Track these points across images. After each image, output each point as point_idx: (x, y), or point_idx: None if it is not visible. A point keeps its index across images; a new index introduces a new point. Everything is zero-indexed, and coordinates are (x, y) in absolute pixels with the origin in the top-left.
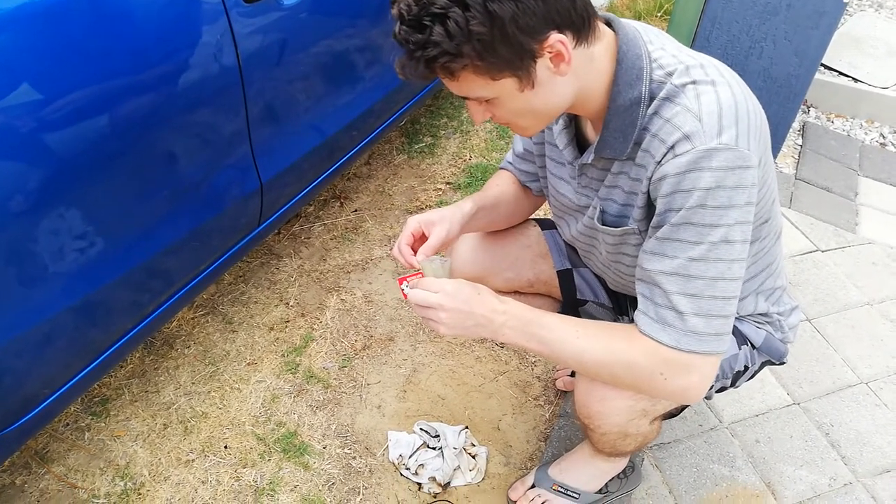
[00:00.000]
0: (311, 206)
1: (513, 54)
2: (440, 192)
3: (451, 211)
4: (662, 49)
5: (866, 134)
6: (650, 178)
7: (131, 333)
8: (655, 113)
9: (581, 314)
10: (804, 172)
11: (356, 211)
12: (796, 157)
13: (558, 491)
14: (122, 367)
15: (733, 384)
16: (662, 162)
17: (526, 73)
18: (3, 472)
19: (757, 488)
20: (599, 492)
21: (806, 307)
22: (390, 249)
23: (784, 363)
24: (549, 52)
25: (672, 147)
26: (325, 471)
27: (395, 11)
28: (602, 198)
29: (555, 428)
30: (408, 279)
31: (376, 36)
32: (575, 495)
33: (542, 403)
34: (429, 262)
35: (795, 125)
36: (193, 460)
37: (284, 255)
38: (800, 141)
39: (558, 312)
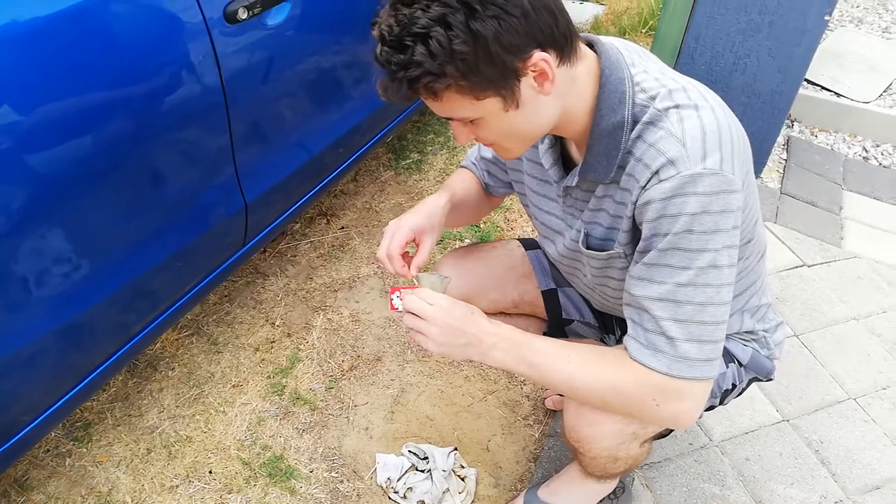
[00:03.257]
0: (297, 223)
1: (496, 73)
2: None
3: (432, 209)
4: (645, 72)
5: (849, 148)
6: (635, 203)
7: (115, 356)
8: (639, 137)
9: (567, 333)
10: (789, 187)
11: (343, 228)
12: (781, 171)
13: None
14: (104, 390)
15: (721, 402)
16: (647, 187)
17: (510, 92)
18: None
19: None
20: None
21: (793, 322)
22: (377, 257)
23: (771, 380)
24: (533, 71)
25: (656, 172)
26: (313, 495)
27: (376, 33)
28: (586, 221)
29: (544, 448)
30: (402, 290)
31: (362, 53)
32: None
33: (532, 423)
34: (427, 277)
35: (780, 139)
36: (177, 486)
37: (270, 273)
38: (784, 155)
39: (544, 332)
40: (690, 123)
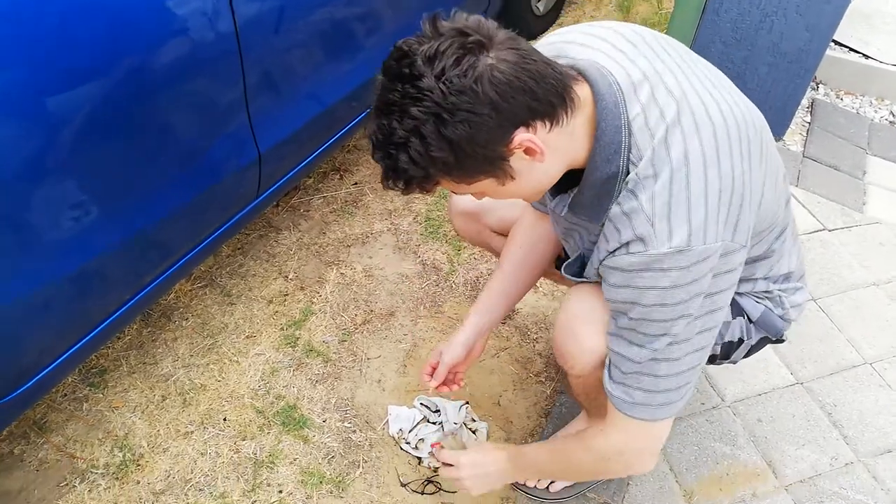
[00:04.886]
0: (310, 178)
1: (482, 164)
2: None
3: (469, 337)
4: (643, 113)
5: (876, 112)
6: (601, 260)
7: (129, 304)
8: (621, 193)
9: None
10: (812, 150)
11: (356, 184)
12: (804, 134)
13: None
14: (119, 338)
15: (726, 357)
16: (616, 253)
17: (502, 171)
18: (2, 442)
19: (758, 467)
20: None
21: (811, 287)
22: (391, 224)
23: (783, 341)
24: (520, 149)
25: (627, 244)
26: (325, 444)
27: (367, 134)
28: (562, 233)
29: (556, 404)
30: (434, 447)
31: (377, 4)
32: None
33: (544, 380)
34: (447, 440)
35: (804, 102)
36: (192, 432)
37: (283, 227)
38: (808, 118)
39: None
40: (660, 201)
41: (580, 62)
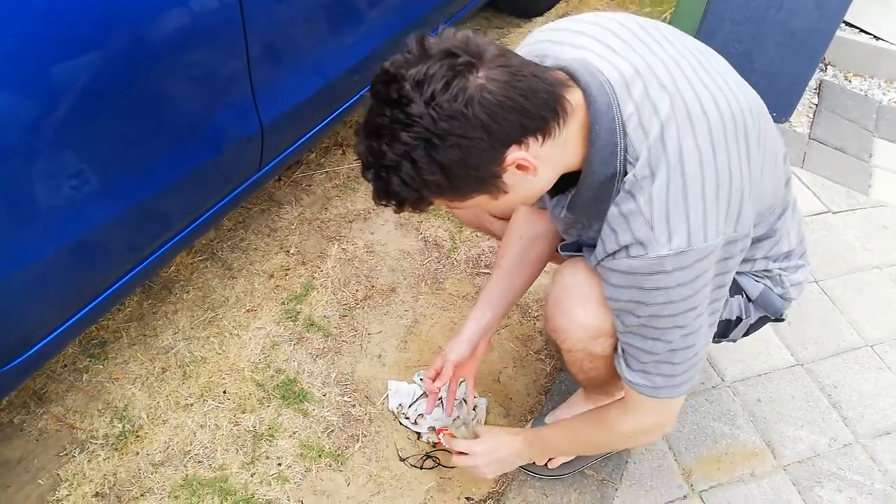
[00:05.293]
0: (312, 153)
1: (474, 184)
2: None
3: (472, 335)
4: (636, 112)
5: (884, 94)
6: (599, 260)
7: (129, 276)
8: (619, 194)
9: None
10: (818, 132)
11: (359, 159)
12: (811, 116)
13: None
14: (119, 310)
15: (724, 335)
16: (616, 256)
17: (495, 188)
18: (2, 412)
19: (756, 447)
20: None
21: (814, 269)
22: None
23: (782, 320)
24: (512, 165)
25: (626, 247)
26: (325, 418)
27: (356, 152)
28: (563, 229)
29: (555, 382)
30: (442, 433)
31: None
32: None
33: (544, 357)
34: (454, 428)
35: (812, 83)
36: (192, 404)
37: (285, 202)
38: (815, 100)
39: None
40: (658, 202)
41: (570, 63)
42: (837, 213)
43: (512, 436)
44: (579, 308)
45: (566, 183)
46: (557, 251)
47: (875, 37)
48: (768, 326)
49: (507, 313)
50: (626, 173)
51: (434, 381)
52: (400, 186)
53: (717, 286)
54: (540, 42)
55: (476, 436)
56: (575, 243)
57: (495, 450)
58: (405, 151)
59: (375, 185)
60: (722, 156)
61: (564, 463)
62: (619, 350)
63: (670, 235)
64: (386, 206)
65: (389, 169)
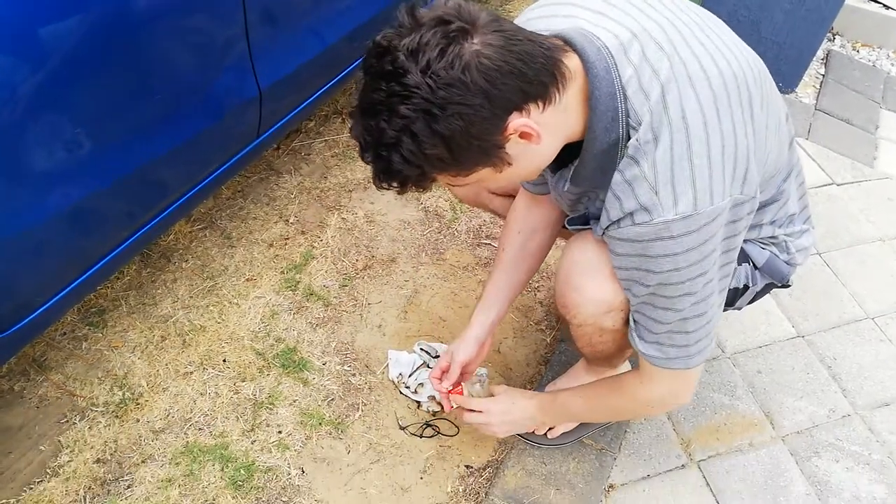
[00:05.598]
0: (311, 121)
1: (478, 155)
2: None
3: (478, 334)
4: (636, 76)
5: (892, 65)
6: (605, 228)
7: (126, 243)
8: (623, 160)
9: None
10: (824, 103)
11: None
12: (817, 87)
13: None
14: (118, 278)
15: (731, 303)
16: (621, 224)
17: (498, 159)
18: (2, 378)
19: (756, 417)
20: None
21: (817, 241)
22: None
23: (788, 286)
24: (515, 134)
25: (631, 214)
26: (325, 387)
27: (353, 136)
28: (569, 206)
29: (555, 353)
30: (451, 394)
31: None
32: None
33: (544, 328)
34: (469, 386)
35: (819, 54)
36: (192, 373)
37: (284, 171)
38: (822, 70)
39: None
40: (662, 167)
41: (565, 31)
42: (842, 184)
43: (527, 399)
44: (590, 282)
45: (568, 156)
46: (565, 226)
47: (885, 6)
48: (770, 298)
49: (509, 306)
50: (629, 139)
51: (441, 380)
52: (401, 164)
53: (725, 250)
54: (530, 20)
55: (491, 394)
56: (582, 216)
57: (510, 411)
58: (404, 125)
59: (375, 166)
60: (726, 116)
61: (564, 432)
62: (632, 322)
63: (676, 200)
64: (388, 188)
65: (390, 147)
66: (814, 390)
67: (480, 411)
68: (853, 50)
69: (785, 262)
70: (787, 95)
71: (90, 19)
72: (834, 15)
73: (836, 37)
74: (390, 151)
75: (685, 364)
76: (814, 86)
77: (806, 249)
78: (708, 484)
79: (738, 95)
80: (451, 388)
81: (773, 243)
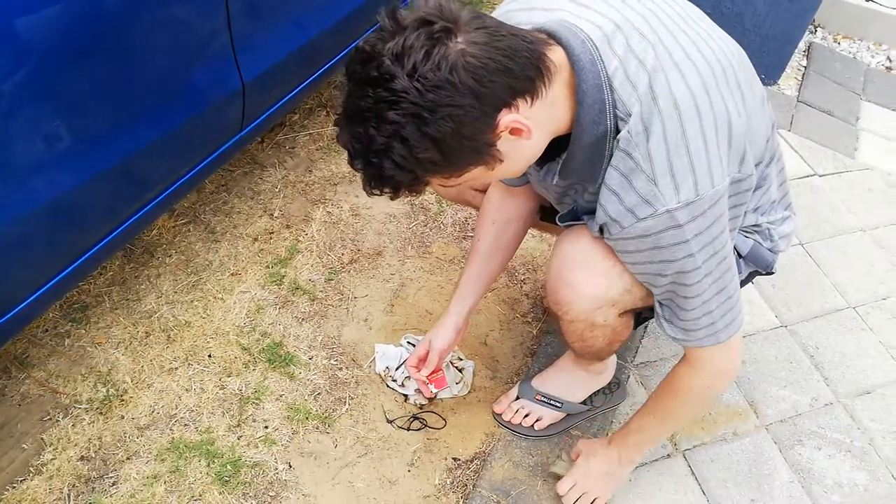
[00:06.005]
0: (295, 114)
1: (470, 156)
2: None
3: (455, 324)
4: (621, 67)
5: (873, 57)
6: (603, 224)
7: (109, 238)
8: (614, 154)
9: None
10: (806, 95)
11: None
12: (799, 78)
13: (541, 401)
14: (101, 274)
15: None
16: (623, 223)
17: (490, 157)
18: None
19: (740, 406)
20: (584, 404)
21: (799, 231)
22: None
23: (772, 273)
24: (505, 131)
25: (632, 210)
26: (311, 381)
27: (341, 143)
28: (556, 199)
29: (542, 344)
30: (430, 379)
31: None
32: (557, 404)
33: (531, 320)
34: (446, 370)
35: (801, 45)
36: (177, 368)
37: (268, 164)
38: (804, 62)
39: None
40: (658, 157)
41: (548, 24)
42: (824, 175)
43: (602, 447)
44: (583, 279)
45: (555, 150)
46: (556, 222)
47: None
48: (753, 288)
49: (484, 295)
50: (618, 131)
51: (418, 368)
52: (393, 169)
53: (732, 228)
54: (510, 12)
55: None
56: (572, 212)
57: (589, 472)
58: (394, 131)
59: (366, 173)
60: (717, 96)
61: (551, 424)
62: (658, 308)
63: (677, 188)
64: (380, 194)
65: (380, 153)
66: (797, 379)
67: (573, 484)
68: (834, 42)
69: (769, 249)
70: (769, 87)
71: (69, 9)
72: (816, 7)
73: (818, 29)
74: (381, 157)
75: (715, 340)
76: (796, 77)
77: (788, 236)
78: (693, 473)
79: (726, 79)
80: (429, 375)
81: (756, 231)
